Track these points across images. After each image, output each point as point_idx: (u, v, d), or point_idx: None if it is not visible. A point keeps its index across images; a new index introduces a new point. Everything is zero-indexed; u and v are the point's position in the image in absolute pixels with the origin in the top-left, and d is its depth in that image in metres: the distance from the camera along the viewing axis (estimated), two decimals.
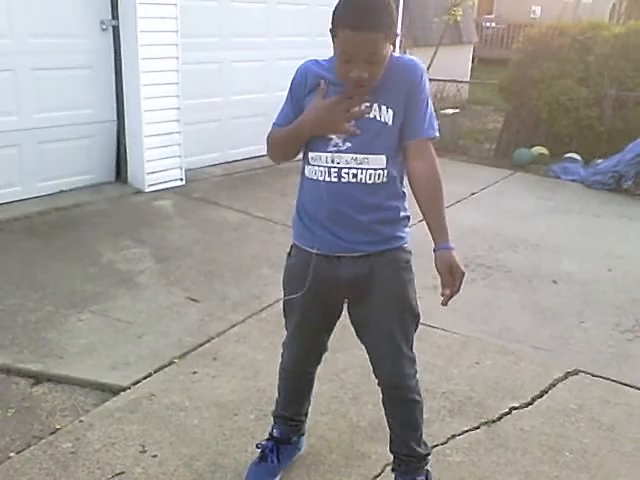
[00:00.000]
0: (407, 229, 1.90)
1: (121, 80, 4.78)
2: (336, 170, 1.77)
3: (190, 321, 3.10)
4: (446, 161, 6.82)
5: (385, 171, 1.77)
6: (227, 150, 5.78)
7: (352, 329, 3.20)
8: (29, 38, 4.29)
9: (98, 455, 2.19)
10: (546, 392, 2.69)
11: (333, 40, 1.69)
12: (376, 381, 2.73)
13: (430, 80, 7.31)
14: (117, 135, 4.92)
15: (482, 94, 10.14)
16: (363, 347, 2.99)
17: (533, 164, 6.62)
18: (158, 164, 4.92)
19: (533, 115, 6.98)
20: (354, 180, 1.77)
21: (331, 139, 1.77)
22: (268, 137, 1.91)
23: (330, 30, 1.69)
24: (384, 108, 1.75)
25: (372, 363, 1.99)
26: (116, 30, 4.71)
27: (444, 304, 1.81)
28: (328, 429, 2.39)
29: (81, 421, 2.36)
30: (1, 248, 3.75)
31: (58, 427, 2.32)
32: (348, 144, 1.76)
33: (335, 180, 1.77)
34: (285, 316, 2.04)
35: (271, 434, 2.18)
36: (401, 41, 7.26)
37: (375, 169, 1.76)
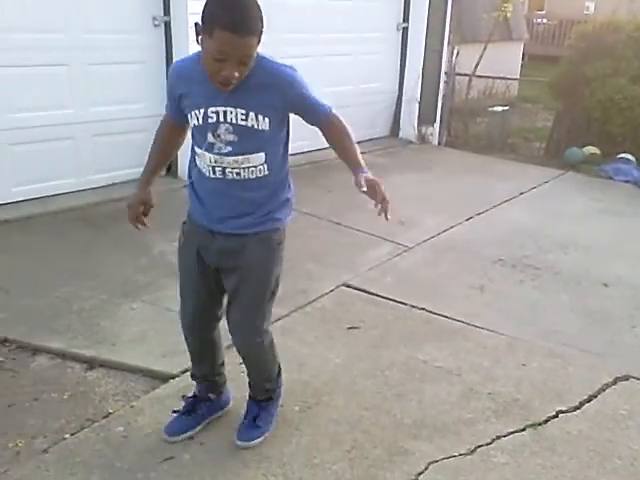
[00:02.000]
0: (286, 211, 2.09)
1: None
2: (220, 169, 1.95)
3: None
4: (494, 159, 6.74)
5: (265, 165, 1.96)
6: None
7: (397, 328, 3.21)
8: (83, 34, 4.40)
9: (148, 440, 2.26)
10: (595, 397, 2.64)
11: (200, 36, 1.77)
12: (421, 379, 2.75)
13: (479, 77, 7.14)
14: None
15: (532, 92, 9.93)
16: (406, 345, 3.00)
17: (584, 164, 6.47)
18: None
19: (585, 114, 6.82)
20: (238, 177, 1.95)
21: (213, 143, 1.92)
22: (161, 124, 2.17)
23: (198, 26, 1.76)
24: (261, 117, 1.89)
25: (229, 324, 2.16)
26: (167, 26, 4.80)
27: (388, 219, 1.93)
28: (371, 424, 2.40)
29: (132, 406, 2.43)
30: (57, 238, 3.89)
31: (110, 411, 2.40)
32: (229, 148, 1.91)
33: (220, 177, 1.96)
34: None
35: (194, 392, 2.35)
36: (449, 37, 7.17)
37: (256, 166, 1.95)
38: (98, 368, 2.66)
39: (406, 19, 6.81)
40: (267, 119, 1.90)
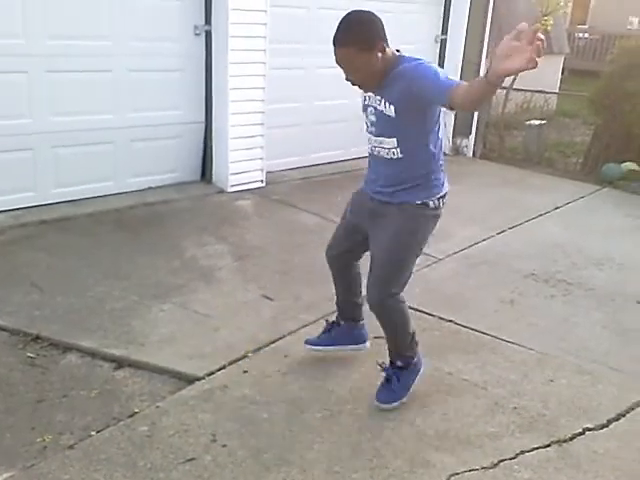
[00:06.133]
0: (423, 193, 2.36)
1: (210, 83, 4.96)
2: (370, 146, 2.42)
3: (264, 318, 3.18)
4: (530, 173, 6.66)
5: (397, 149, 2.31)
6: (307, 154, 5.86)
7: (423, 340, 3.19)
8: (128, 41, 4.51)
9: (172, 440, 2.29)
10: (623, 415, 2.58)
11: None
12: (445, 391, 2.73)
13: (516, 90, 7.08)
14: (204, 136, 5.11)
15: (571, 106, 9.80)
16: (432, 357, 2.98)
17: (622, 180, 6.34)
18: (241, 166, 5.07)
19: (624, 129, 6.69)
20: (378, 155, 2.38)
21: (366, 122, 2.38)
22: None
23: None
24: (387, 104, 2.25)
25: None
26: (208, 35, 4.89)
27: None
28: (393, 434, 2.39)
29: (157, 407, 2.47)
30: (93, 239, 3.98)
31: (136, 411, 2.44)
32: (372, 128, 2.36)
33: (371, 152, 2.43)
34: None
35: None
36: (488, 50, 7.13)
37: (389, 148, 2.33)
38: (126, 367, 2.71)
39: (444, 31, 6.81)
40: (392, 106, 2.23)
